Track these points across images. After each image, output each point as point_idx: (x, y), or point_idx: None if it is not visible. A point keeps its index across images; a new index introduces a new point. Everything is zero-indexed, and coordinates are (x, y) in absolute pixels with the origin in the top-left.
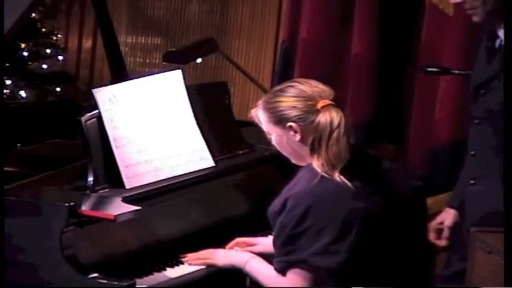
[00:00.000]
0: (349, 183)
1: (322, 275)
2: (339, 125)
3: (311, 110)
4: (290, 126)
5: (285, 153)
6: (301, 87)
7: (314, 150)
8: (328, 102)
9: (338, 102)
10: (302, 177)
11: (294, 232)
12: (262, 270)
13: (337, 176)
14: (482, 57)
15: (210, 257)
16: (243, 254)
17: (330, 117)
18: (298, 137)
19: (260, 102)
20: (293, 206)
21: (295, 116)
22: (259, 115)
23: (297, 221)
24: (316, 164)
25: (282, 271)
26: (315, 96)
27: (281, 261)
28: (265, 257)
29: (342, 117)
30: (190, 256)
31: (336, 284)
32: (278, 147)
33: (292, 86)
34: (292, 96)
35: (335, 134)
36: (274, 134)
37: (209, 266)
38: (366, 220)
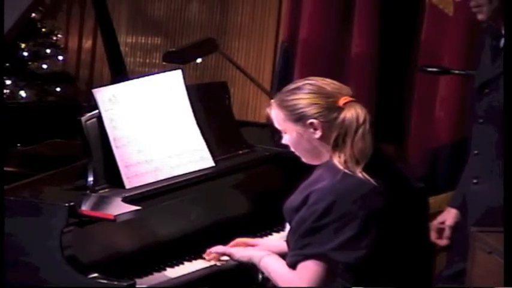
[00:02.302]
0: (371, 180)
1: (340, 270)
2: (364, 121)
3: (332, 106)
4: (311, 123)
5: (300, 151)
6: (320, 84)
7: (337, 146)
8: (350, 98)
9: None
10: (322, 174)
11: (314, 226)
12: (278, 266)
13: (359, 173)
14: (486, 56)
15: (229, 247)
16: (261, 251)
17: (355, 113)
18: (318, 134)
19: (274, 101)
20: (316, 201)
21: (316, 112)
22: (274, 114)
23: (318, 215)
24: (338, 160)
25: (296, 264)
26: (335, 93)
27: (296, 255)
28: None
29: (366, 113)
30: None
31: (350, 280)
32: (294, 146)
33: (309, 84)
34: (312, 93)
35: (361, 130)
36: (292, 132)
37: (228, 255)
38: (383, 217)
